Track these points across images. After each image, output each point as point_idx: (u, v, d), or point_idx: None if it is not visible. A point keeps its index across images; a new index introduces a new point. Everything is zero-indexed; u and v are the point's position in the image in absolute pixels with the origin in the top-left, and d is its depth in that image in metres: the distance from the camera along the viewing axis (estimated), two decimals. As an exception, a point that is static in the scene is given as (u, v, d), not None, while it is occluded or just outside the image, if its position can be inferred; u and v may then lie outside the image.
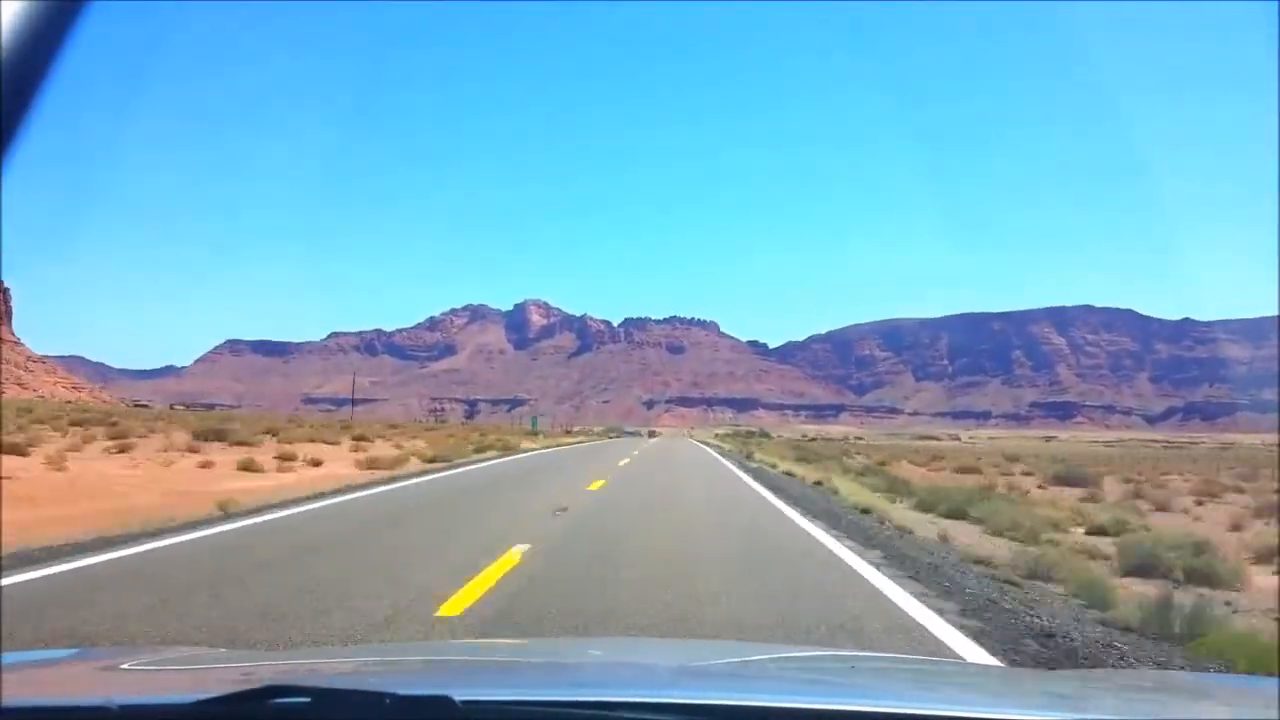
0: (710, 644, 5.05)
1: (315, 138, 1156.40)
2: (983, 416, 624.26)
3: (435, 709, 1.56)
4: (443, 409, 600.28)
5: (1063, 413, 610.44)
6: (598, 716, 1.62)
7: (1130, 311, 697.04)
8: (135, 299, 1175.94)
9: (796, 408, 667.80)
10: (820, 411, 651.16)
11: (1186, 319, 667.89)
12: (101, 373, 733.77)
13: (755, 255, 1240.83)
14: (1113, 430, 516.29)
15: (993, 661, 5.69)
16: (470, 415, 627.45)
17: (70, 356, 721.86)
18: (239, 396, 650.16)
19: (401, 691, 1.60)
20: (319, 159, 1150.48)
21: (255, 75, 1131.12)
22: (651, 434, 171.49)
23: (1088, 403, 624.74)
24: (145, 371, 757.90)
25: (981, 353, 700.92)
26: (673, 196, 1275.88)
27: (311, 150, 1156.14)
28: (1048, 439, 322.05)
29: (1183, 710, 2.05)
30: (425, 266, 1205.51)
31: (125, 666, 2.31)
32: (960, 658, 5.73)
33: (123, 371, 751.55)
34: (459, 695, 1.58)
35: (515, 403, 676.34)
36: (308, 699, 1.60)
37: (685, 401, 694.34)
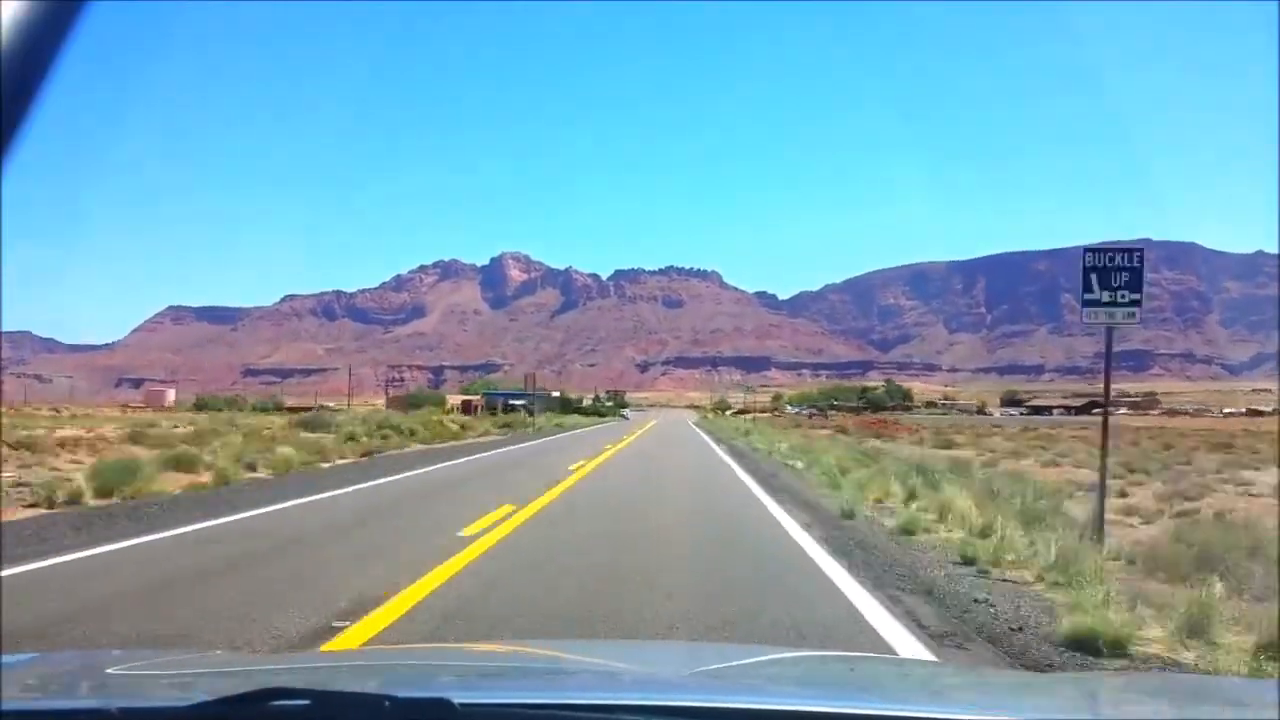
0: (710, 646, 5.01)
1: (269, 84, 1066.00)
2: (1034, 371, 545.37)
3: (435, 711, 1.57)
4: (401, 378, 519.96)
5: (1135, 364, 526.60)
6: (597, 719, 1.63)
7: (1194, 245, 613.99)
8: (83, 270, 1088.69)
9: (815, 366, 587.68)
10: (843, 370, 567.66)
11: (1259, 251, 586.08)
12: (50, 347, 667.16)
13: (760, 198, 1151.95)
14: (1194, 382, 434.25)
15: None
16: (436, 384, 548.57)
17: (18, 332, 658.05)
18: (174, 370, 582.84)
19: (401, 694, 1.62)
20: (272, 106, 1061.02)
21: (204, 27, 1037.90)
22: (615, 403, 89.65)
23: (1160, 350, 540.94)
24: (95, 346, 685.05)
25: (1024, 297, 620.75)
26: (666, 138, 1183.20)
27: (264, 98, 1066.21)
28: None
29: (1183, 711, 2.05)
30: (392, 219, 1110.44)
31: (125, 669, 2.29)
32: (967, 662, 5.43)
33: (72, 346, 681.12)
34: (458, 698, 1.60)
35: (488, 368, 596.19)
36: (308, 701, 1.61)
37: (685, 362, 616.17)
